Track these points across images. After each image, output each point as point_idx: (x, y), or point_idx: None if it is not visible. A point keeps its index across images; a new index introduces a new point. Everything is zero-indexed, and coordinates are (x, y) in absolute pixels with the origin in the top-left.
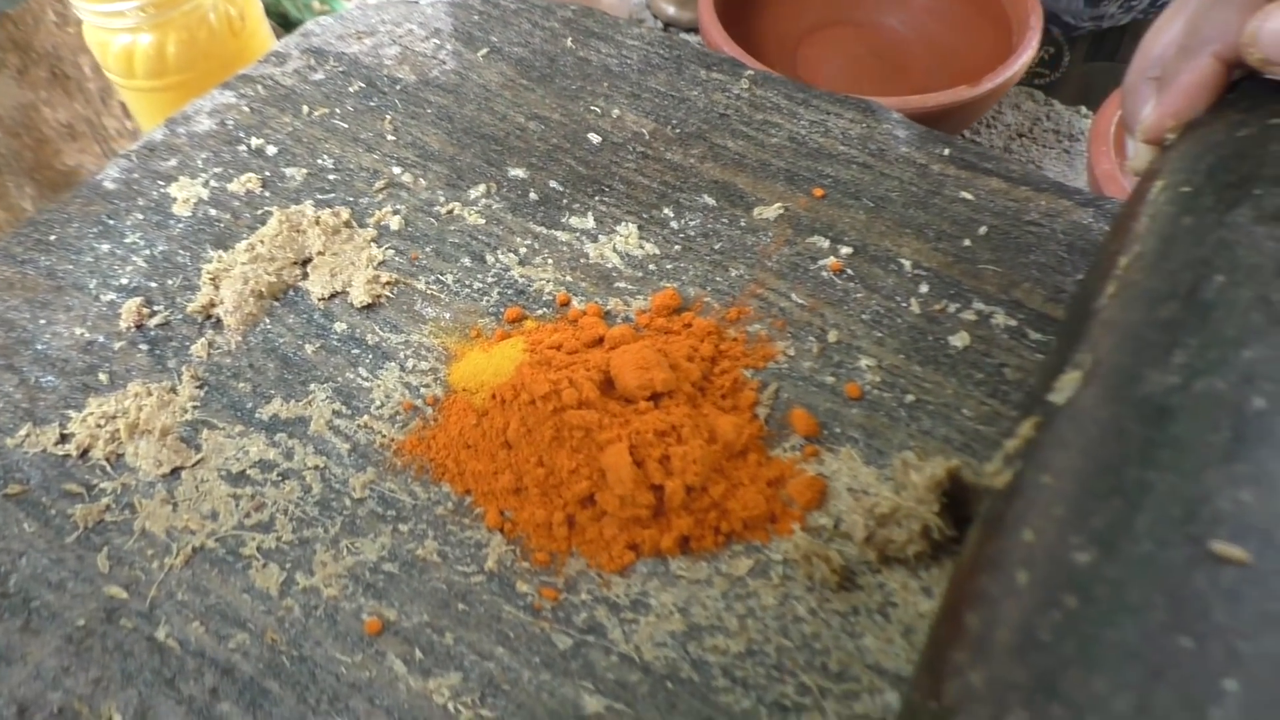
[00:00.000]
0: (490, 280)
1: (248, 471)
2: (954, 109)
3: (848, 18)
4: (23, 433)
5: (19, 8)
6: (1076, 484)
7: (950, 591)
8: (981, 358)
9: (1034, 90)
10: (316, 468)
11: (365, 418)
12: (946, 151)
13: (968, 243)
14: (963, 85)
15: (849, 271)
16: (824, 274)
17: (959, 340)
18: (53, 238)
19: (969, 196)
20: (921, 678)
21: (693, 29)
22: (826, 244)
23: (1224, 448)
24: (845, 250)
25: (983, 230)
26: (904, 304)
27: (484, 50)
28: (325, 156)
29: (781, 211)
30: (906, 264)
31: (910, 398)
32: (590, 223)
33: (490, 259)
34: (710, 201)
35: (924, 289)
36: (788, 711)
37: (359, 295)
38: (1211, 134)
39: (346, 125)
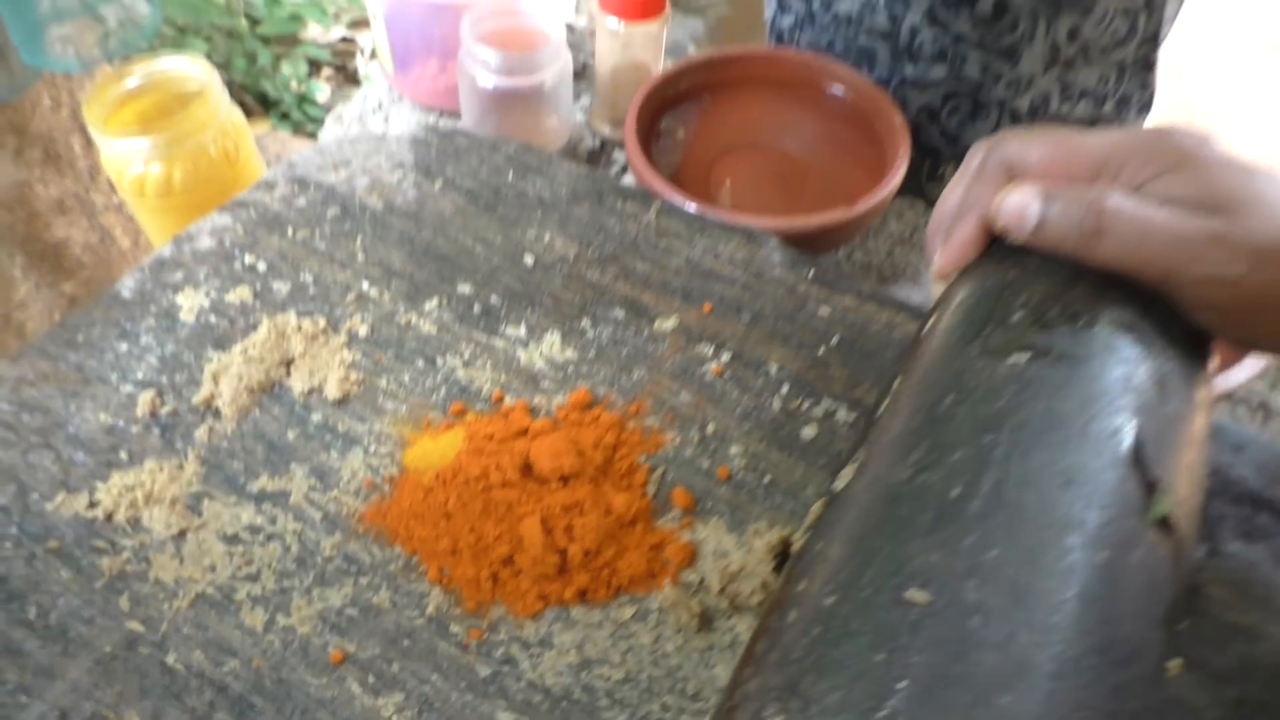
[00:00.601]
0: (439, 380)
1: (240, 534)
2: (835, 228)
3: (754, 142)
4: (59, 499)
5: (18, 97)
6: (836, 548)
7: (755, 629)
8: (825, 445)
9: (915, 200)
10: (295, 531)
11: (335, 492)
12: (811, 273)
13: (822, 350)
14: (841, 207)
15: (727, 374)
16: (708, 376)
17: (809, 431)
18: (80, 338)
19: (826, 311)
20: (727, 689)
21: (623, 146)
22: (711, 351)
23: (927, 524)
24: (725, 356)
25: (835, 340)
26: (769, 402)
27: (440, 182)
28: (306, 273)
29: (677, 323)
30: (773, 368)
31: (768, 479)
32: (522, 332)
33: (440, 361)
34: (620, 315)
35: (785, 389)
36: None
37: (332, 391)
38: (971, 279)
39: (324, 246)
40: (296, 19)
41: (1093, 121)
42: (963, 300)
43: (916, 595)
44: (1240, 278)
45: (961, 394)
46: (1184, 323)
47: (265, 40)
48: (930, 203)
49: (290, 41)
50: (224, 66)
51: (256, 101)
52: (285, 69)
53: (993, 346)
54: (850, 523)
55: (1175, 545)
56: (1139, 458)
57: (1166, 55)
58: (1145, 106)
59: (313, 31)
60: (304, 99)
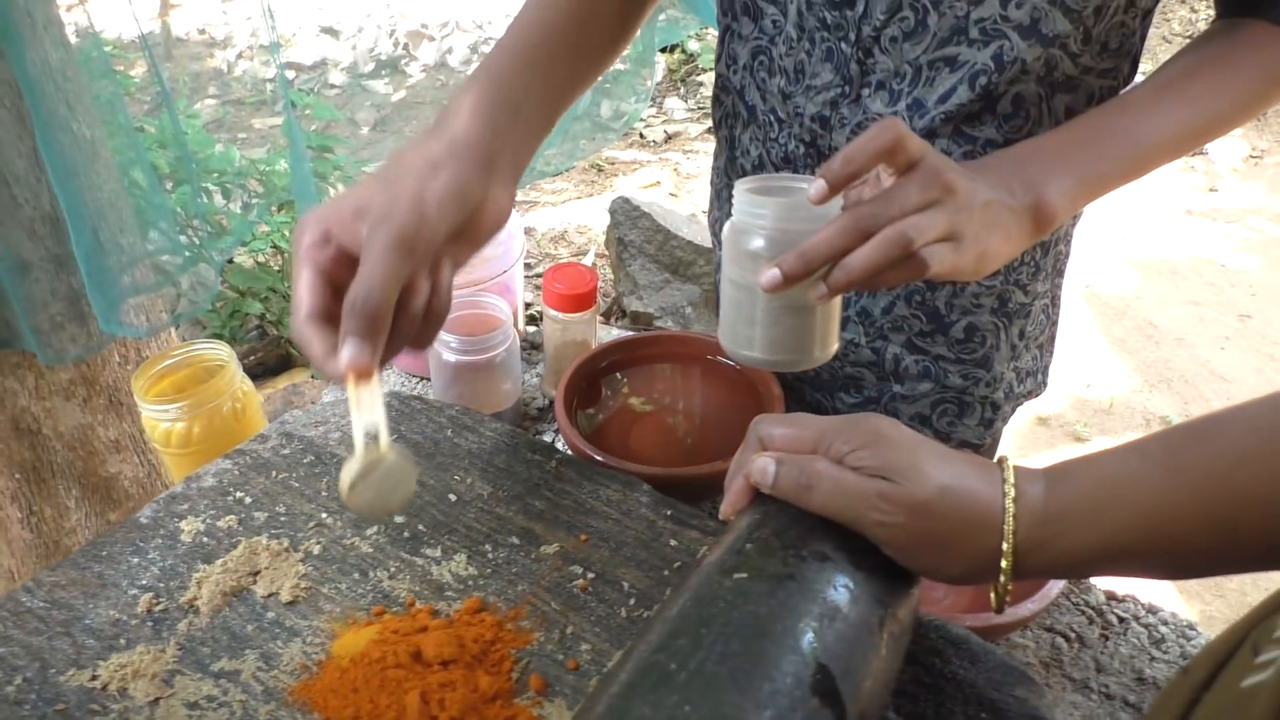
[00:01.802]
0: (368, 589)
1: (199, 701)
2: (709, 477)
3: (662, 405)
4: (69, 673)
5: (93, 355)
6: (597, 707)
7: None
8: None
9: None
10: (240, 701)
11: (275, 671)
12: (669, 512)
13: (666, 572)
14: (718, 460)
15: (590, 590)
16: (574, 590)
17: None
18: (104, 553)
19: (675, 543)
20: None
21: None
22: (580, 570)
23: (649, 687)
24: (590, 575)
25: (677, 564)
26: (618, 611)
27: (394, 436)
28: (281, 505)
29: (557, 549)
30: (626, 585)
31: (607, 670)
32: (439, 553)
33: (371, 575)
34: (515, 541)
35: (632, 601)
36: None
37: (285, 595)
38: (738, 520)
39: (298, 485)
40: None
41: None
42: (725, 534)
43: None
44: (903, 524)
45: (696, 601)
46: (879, 555)
47: None
48: None
49: None
50: (275, 324)
51: (300, 355)
52: None
53: (726, 567)
54: (607, 689)
55: (845, 712)
56: (814, 650)
57: (1145, 321)
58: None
59: None
60: None
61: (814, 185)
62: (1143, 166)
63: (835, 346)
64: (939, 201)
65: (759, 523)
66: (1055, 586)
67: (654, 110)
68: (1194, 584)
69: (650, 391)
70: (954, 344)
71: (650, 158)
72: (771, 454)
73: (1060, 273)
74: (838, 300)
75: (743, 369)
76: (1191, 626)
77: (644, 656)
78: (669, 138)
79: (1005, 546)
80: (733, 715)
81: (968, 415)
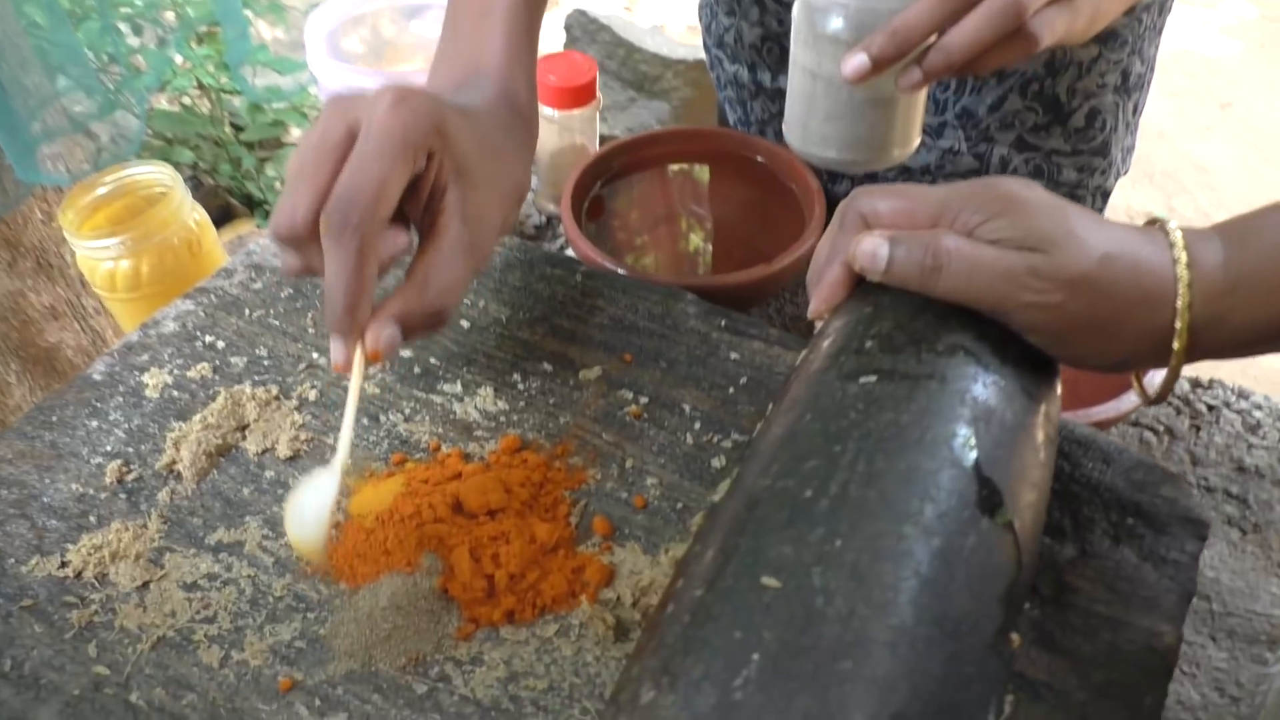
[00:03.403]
0: (382, 434)
1: (198, 581)
2: (757, 283)
3: (682, 211)
4: (33, 562)
5: (11, 212)
6: (709, 549)
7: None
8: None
9: None
10: (249, 576)
11: (285, 539)
12: (723, 322)
13: (731, 390)
14: (761, 265)
15: (645, 416)
16: (627, 418)
17: (718, 462)
18: (54, 419)
19: (736, 355)
20: (619, 679)
21: None
22: (630, 396)
23: (782, 522)
24: (643, 399)
25: (743, 380)
26: (683, 438)
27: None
28: (261, 347)
29: (600, 373)
30: (687, 408)
31: (680, 505)
32: (459, 388)
33: (383, 419)
34: (548, 368)
35: (697, 426)
36: None
37: (284, 450)
38: (837, 317)
39: (278, 322)
40: (279, 124)
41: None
42: (828, 334)
43: (769, 581)
44: (1059, 304)
45: (817, 413)
46: (1022, 345)
47: (249, 146)
48: None
49: (273, 145)
50: (210, 172)
51: (243, 203)
52: (270, 171)
53: (846, 371)
54: (720, 527)
55: (1015, 533)
56: (975, 460)
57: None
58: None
59: (295, 134)
60: None
61: None
62: None
63: (916, 142)
64: None
65: (873, 316)
66: (1158, 375)
67: None
68: None
69: (667, 196)
70: (1072, 134)
71: None
72: (880, 232)
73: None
74: (924, 90)
75: (772, 165)
76: None
77: (765, 485)
78: None
79: (1179, 324)
80: (895, 548)
81: None
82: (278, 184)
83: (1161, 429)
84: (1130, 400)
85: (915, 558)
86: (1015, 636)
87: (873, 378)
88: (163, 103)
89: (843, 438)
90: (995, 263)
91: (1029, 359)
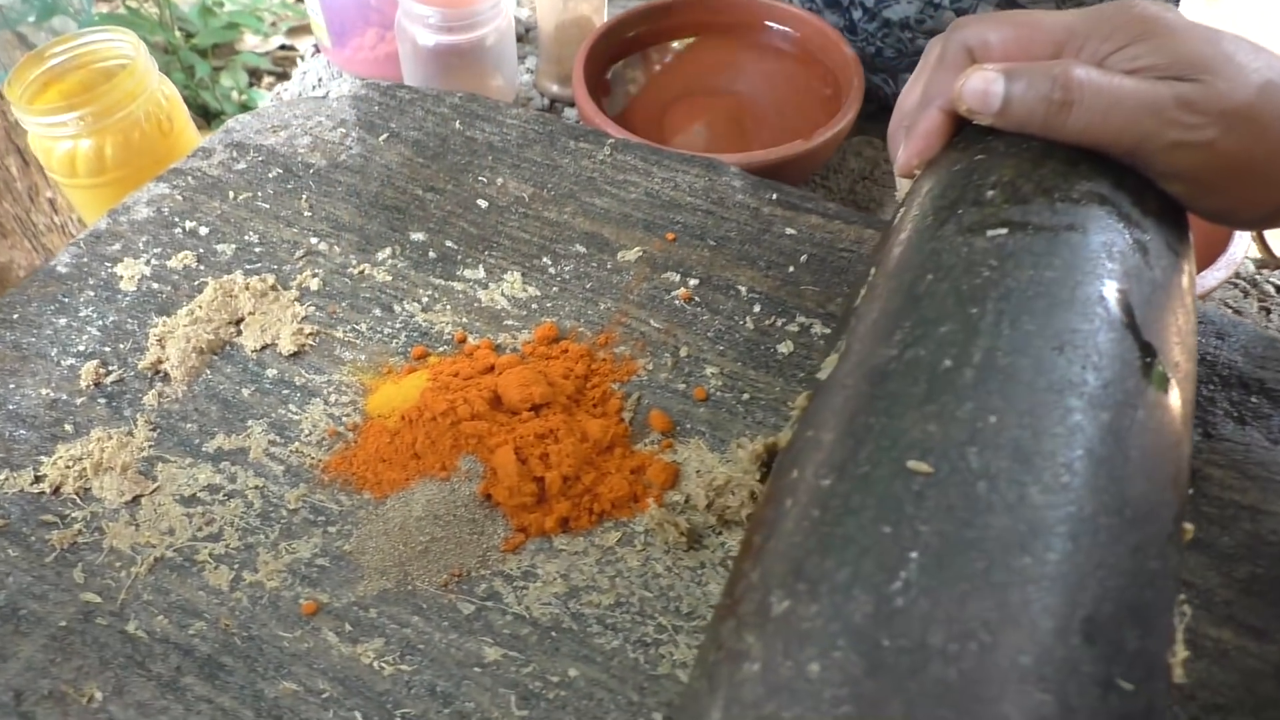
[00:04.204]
0: (398, 326)
1: (198, 494)
2: (794, 160)
3: (703, 88)
4: (2, 477)
5: None
6: (828, 433)
7: (747, 526)
8: (803, 360)
9: (872, 139)
10: (257, 487)
11: (296, 444)
12: (774, 196)
13: (792, 269)
14: (799, 140)
15: (696, 299)
16: (676, 302)
17: (785, 348)
18: (15, 316)
19: (792, 231)
20: (725, 587)
21: (573, 104)
22: (678, 278)
23: (920, 396)
24: (693, 282)
25: (804, 258)
26: (741, 322)
27: (384, 135)
28: (251, 233)
29: (640, 254)
30: (743, 290)
31: (746, 396)
32: (481, 273)
33: (398, 309)
34: (581, 249)
35: (757, 309)
36: (649, 646)
37: (286, 345)
38: (938, 169)
39: (268, 206)
40: (233, 28)
41: None
42: (931, 188)
43: (918, 466)
44: (1212, 141)
45: (941, 272)
46: (1159, 195)
47: (202, 53)
48: None
49: (228, 52)
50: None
51: (199, 115)
52: (225, 80)
53: (968, 225)
54: (839, 407)
55: (1177, 406)
56: (1131, 321)
57: None
58: None
59: (250, 41)
60: (247, 108)
61: None
62: None
63: None
64: None
65: (987, 164)
66: (1240, 250)
67: None
68: None
69: (685, 72)
70: None
71: None
72: (993, 65)
73: None
74: None
75: (801, 35)
76: None
77: (891, 355)
78: None
79: None
80: (1063, 423)
81: None
82: (235, 93)
83: (1230, 311)
84: (1214, 276)
85: (1085, 434)
86: (1189, 526)
87: (1002, 230)
88: (103, 8)
89: (979, 298)
90: (1137, 94)
91: (1170, 210)
